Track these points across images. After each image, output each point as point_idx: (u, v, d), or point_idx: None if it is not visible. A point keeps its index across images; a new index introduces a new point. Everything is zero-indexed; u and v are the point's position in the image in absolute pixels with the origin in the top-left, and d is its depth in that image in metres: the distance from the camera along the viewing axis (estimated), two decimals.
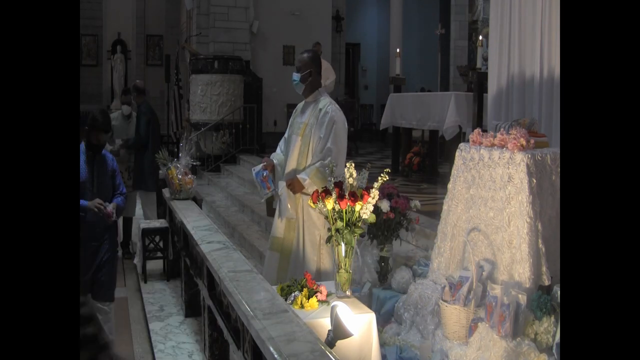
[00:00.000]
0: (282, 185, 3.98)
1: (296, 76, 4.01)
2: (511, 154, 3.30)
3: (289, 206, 3.96)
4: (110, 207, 4.11)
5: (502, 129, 3.49)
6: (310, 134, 3.94)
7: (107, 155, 4.30)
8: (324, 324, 2.85)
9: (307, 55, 4.08)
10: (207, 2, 12.27)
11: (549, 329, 3.00)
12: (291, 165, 3.99)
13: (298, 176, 3.90)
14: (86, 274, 4.11)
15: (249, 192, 8.55)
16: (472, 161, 3.59)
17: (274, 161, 4.14)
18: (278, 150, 4.27)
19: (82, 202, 3.99)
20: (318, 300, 3.08)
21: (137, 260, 6.25)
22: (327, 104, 3.97)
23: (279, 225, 4.03)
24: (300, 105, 4.19)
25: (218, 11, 12.25)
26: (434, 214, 4.70)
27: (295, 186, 3.89)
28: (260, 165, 4.12)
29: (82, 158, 4.11)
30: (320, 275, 3.89)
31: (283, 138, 4.26)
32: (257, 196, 4.32)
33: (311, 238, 3.95)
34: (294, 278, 3.40)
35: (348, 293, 3.22)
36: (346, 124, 4.02)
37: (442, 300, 3.36)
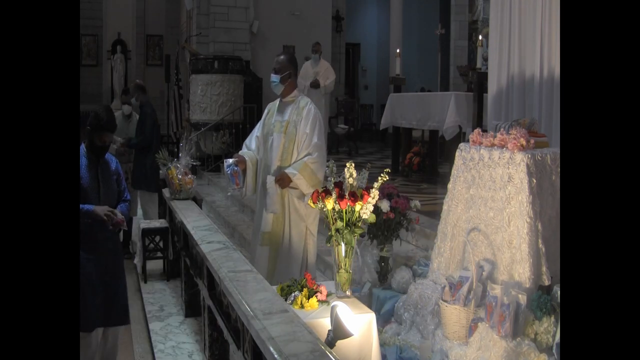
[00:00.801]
0: (270, 180, 4.05)
1: (275, 77, 4.11)
2: (511, 154, 3.30)
3: (275, 201, 4.06)
4: (120, 215, 3.64)
5: (502, 129, 3.49)
6: (295, 131, 4.05)
7: (111, 158, 3.88)
8: (324, 324, 2.85)
9: (285, 57, 4.17)
10: (207, 2, 12.26)
11: (549, 329, 3.00)
12: (276, 162, 4.09)
13: (287, 171, 3.99)
14: (107, 300, 3.68)
15: None
16: (472, 161, 3.59)
17: (246, 158, 4.19)
18: (244, 148, 4.32)
19: (87, 206, 3.56)
20: (318, 300, 3.08)
21: (137, 260, 6.25)
22: (308, 102, 4.16)
23: (267, 220, 4.10)
24: (274, 105, 4.27)
25: (218, 11, 12.24)
26: (434, 214, 4.70)
27: (284, 181, 3.99)
28: (233, 159, 4.16)
29: (83, 162, 3.65)
30: (307, 267, 4.03)
31: (254, 137, 4.30)
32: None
33: (297, 231, 4.08)
34: (294, 278, 3.40)
35: (348, 293, 3.22)
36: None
37: (442, 300, 3.36)
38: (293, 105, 4.14)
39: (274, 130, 4.15)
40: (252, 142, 4.31)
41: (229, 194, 4.40)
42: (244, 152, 4.28)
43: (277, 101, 4.25)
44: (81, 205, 3.52)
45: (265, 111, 4.32)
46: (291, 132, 4.06)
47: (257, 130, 4.31)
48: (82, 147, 3.73)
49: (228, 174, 4.15)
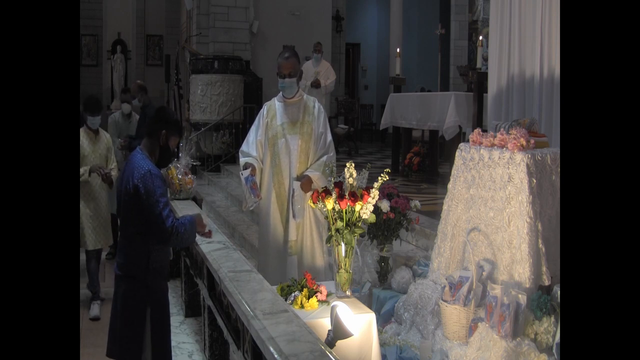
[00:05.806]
0: (297, 186, 3.92)
1: (291, 82, 3.95)
2: (511, 154, 3.30)
3: (305, 207, 3.95)
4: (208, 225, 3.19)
5: (502, 129, 3.50)
6: (312, 131, 3.99)
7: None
8: (324, 324, 2.85)
9: (294, 58, 3.99)
10: (207, 2, 12.26)
11: (549, 329, 3.00)
12: (299, 167, 3.97)
13: (310, 174, 3.91)
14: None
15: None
16: (472, 161, 3.59)
17: (256, 167, 4.02)
18: (242, 156, 4.10)
19: (187, 218, 3.07)
20: (318, 300, 3.09)
21: None
22: (315, 100, 4.11)
23: (293, 228, 4.00)
24: (275, 106, 4.06)
25: (218, 11, 12.24)
26: (434, 214, 4.70)
27: (307, 184, 3.88)
28: (249, 170, 3.93)
29: (160, 178, 2.99)
30: (329, 271, 3.95)
31: (252, 142, 4.09)
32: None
33: (317, 234, 4.01)
34: (294, 278, 3.40)
35: (348, 293, 3.22)
36: None
37: (442, 300, 3.36)
38: (300, 104, 4.02)
39: (285, 132, 3.98)
40: (252, 149, 4.09)
41: (251, 208, 4.01)
42: (250, 160, 4.05)
43: (276, 102, 4.07)
44: (182, 219, 3.02)
45: (263, 113, 4.09)
46: (307, 133, 3.98)
47: (255, 135, 4.09)
48: (145, 158, 3.04)
49: (248, 187, 3.89)
